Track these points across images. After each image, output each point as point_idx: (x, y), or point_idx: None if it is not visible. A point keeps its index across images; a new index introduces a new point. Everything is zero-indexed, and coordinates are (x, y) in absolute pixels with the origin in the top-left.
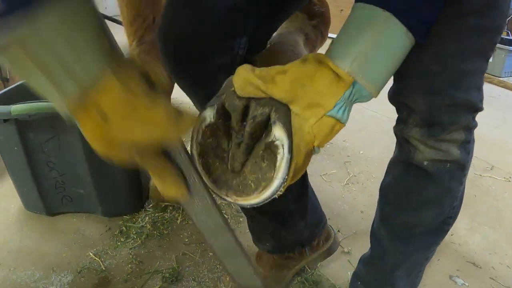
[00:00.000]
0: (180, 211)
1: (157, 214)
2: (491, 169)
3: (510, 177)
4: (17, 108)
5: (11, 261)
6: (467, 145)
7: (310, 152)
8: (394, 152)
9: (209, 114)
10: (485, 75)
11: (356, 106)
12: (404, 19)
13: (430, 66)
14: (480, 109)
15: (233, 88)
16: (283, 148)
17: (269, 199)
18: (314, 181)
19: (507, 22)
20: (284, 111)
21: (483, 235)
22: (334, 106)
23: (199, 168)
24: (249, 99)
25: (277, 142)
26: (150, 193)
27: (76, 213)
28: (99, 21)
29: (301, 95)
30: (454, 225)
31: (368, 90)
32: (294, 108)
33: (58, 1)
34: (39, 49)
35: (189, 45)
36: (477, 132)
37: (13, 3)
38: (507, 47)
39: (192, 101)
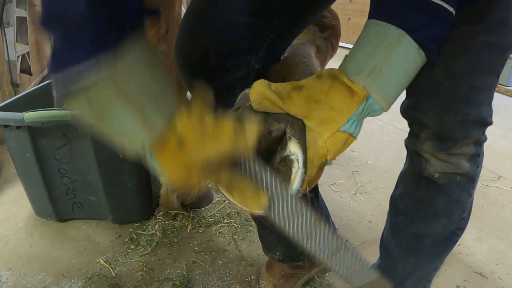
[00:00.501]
0: (190, 220)
1: (167, 222)
2: (498, 179)
3: None
4: (30, 115)
5: (21, 266)
6: (476, 158)
7: (323, 165)
8: (404, 164)
9: None
10: None
11: None
12: (416, 36)
13: (442, 82)
14: (489, 123)
15: (249, 103)
16: (298, 162)
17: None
18: (323, 191)
19: None
20: (299, 126)
21: (490, 245)
22: (348, 121)
23: None
24: (265, 113)
25: (292, 157)
26: (160, 200)
27: (86, 219)
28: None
29: (316, 111)
30: (461, 235)
31: (380, 104)
32: (308, 123)
33: (137, 39)
34: (130, 84)
35: (206, 60)
36: None
37: (100, 42)
38: None
39: None
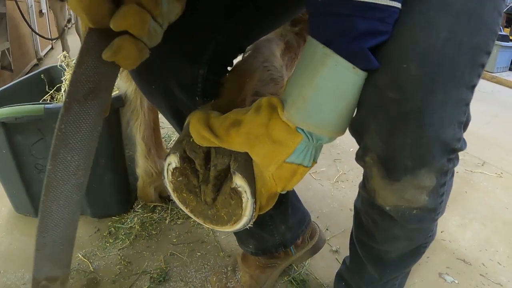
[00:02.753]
0: (169, 212)
1: (145, 215)
2: (482, 165)
3: (501, 173)
4: (3, 112)
5: (1, 264)
6: (440, 189)
7: (274, 195)
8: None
9: (174, 160)
10: None
11: None
12: (346, 50)
13: (386, 92)
14: (458, 149)
15: (192, 139)
16: (246, 193)
17: (242, 229)
18: (304, 179)
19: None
20: (244, 158)
21: (474, 231)
22: (293, 152)
23: (176, 201)
24: (209, 147)
25: (239, 189)
26: (138, 193)
27: None
28: None
29: (258, 145)
30: (444, 222)
31: (318, 133)
32: (253, 158)
33: None
34: None
35: (147, 67)
36: (469, 127)
37: None
38: (499, 42)
39: (160, 112)
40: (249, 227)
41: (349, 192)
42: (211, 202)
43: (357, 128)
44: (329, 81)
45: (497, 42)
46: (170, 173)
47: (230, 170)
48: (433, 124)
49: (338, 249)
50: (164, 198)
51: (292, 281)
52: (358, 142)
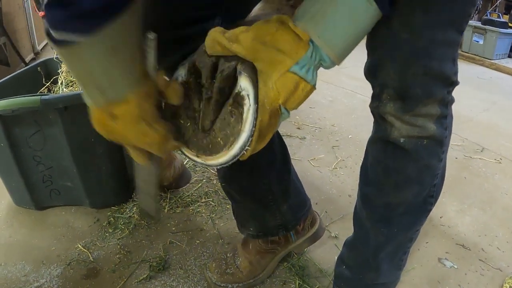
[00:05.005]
0: (167, 200)
1: None
2: (481, 151)
3: (501, 159)
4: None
5: (1, 257)
6: (443, 120)
7: (276, 111)
8: (372, 131)
9: (181, 73)
10: (476, 57)
11: (346, 91)
12: None
13: (400, 34)
14: (455, 83)
15: (204, 48)
16: (249, 98)
17: (237, 156)
18: (302, 166)
19: None
20: (250, 66)
21: (473, 217)
22: (297, 63)
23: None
24: (218, 57)
25: (243, 93)
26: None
27: (64, 206)
28: (138, 45)
29: (263, 52)
30: (443, 207)
31: (325, 51)
32: (258, 65)
33: (112, 29)
34: (79, 65)
35: (160, 33)
36: (467, 114)
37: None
38: (498, 29)
39: None
40: (244, 155)
41: (348, 178)
42: (209, 126)
43: (374, 68)
44: (349, 6)
45: (496, 29)
46: None
47: (235, 83)
48: (436, 59)
49: (337, 235)
50: (163, 187)
51: (292, 267)
52: (373, 85)
